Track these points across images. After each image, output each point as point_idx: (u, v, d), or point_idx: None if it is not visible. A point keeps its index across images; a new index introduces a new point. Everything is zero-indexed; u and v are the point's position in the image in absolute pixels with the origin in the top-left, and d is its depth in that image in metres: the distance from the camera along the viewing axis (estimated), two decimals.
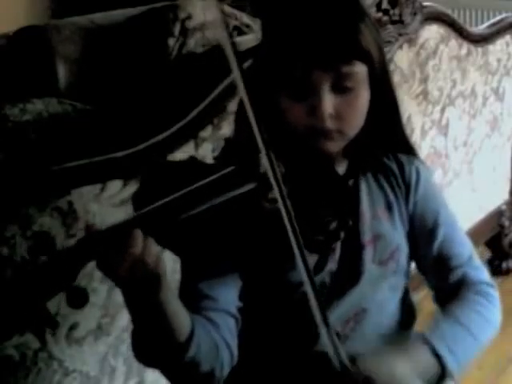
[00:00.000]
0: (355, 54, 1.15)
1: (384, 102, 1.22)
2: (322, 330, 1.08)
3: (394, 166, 1.29)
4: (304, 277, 1.07)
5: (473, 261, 1.31)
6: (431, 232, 1.29)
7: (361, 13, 1.18)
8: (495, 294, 1.30)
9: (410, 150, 1.32)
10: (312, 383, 1.24)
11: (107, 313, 1.55)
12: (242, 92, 1.05)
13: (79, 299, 0.98)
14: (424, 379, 1.17)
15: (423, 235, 1.29)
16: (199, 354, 1.08)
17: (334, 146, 1.19)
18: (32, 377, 1.44)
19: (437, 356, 1.18)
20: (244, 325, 1.20)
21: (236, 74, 1.04)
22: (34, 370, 1.45)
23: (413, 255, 1.32)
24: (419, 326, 1.36)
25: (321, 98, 1.14)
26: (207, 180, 1.02)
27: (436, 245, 1.29)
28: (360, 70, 1.16)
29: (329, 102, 1.14)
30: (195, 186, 1.02)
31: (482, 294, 1.28)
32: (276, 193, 1.04)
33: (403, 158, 1.30)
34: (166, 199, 1.00)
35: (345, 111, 1.16)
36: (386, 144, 1.27)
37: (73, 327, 1.50)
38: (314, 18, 1.14)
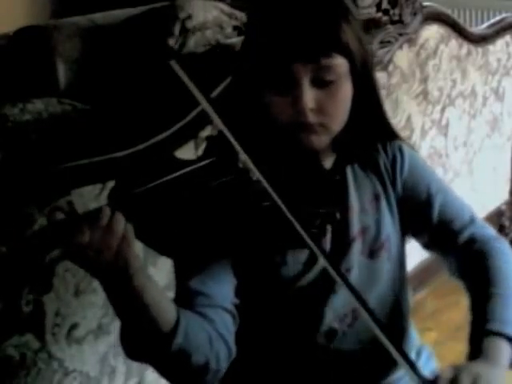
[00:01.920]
0: (334, 46, 1.15)
1: (367, 96, 1.22)
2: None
3: (381, 153, 1.29)
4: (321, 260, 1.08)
5: (476, 221, 1.30)
6: (426, 203, 1.28)
7: (342, 9, 1.18)
8: (506, 245, 1.30)
9: (395, 137, 1.31)
10: (313, 375, 1.24)
11: (107, 313, 1.55)
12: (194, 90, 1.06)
13: (43, 286, 0.98)
14: (508, 366, 1.17)
15: (419, 209, 1.29)
16: (188, 344, 1.07)
17: (319, 140, 1.18)
18: (32, 377, 1.45)
19: (508, 339, 1.17)
20: (244, 321, 1.20)
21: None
22: (34, 370, 1.45)
23: (414, 233, 1.31)
24: (419, 324, 1.37)
25: (301, 92, 1.14)
26: (180, 172, 1.03)
27: (435, 214, 1.28)
28: (340, 63, 1.16)
29: (309, 95, 1.15)
30: (168, 177, 1.02)
31: (495, 251, 1.27)
32: (264, 184, 1.04)
33: (387, 143, 1.30)
34: (139, 189, 1.00)
35: (327, 105, 1.16)
36: (373, 136, 1.27)
37: (73, 327, 1.50)
38: (294, 12, 1.15)
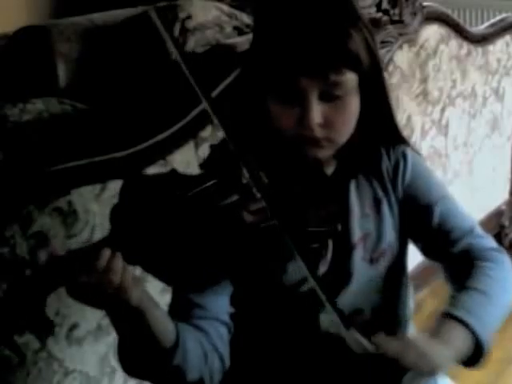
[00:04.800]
0: (343, 62, 1.12)
1: (377, 104, 1.20)
2: (334, 317, 1.09)
3: (383, 158, 1.27)
4: (307, 274, 1.08)
5: (475, 231, 1.28)
6: (427, 211, 1.26)
7: (352, 17, 1.14)
8: (504, 257, 1.27)
9: (401, 142, 1.29)
10: (313, 378, 1.24)
11: None
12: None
13: (44, 328, 0.96)
14: (460, 353, 1.14)
15: (420, 216, 1.27)
16: (185, 362, 1.07)
17: (323, 153, 1.17)
18: (32, 377, 1.44)
19: (466, 327, 1.14)
20: (240, 329, 1.19)
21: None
22: (34, 370, 1.45)
23: (413, 238, 1.30)
24: (419, 324, 1.36)
25: (309, 107, 1.12)
26: (188, 194, 1.02)
27: (435, 222, 1.26)
28: (349, 77, 1.13)
29: (317, 111, 1.12)
30: (174, 201, 1.01)
31: (489, 259, 1.24)
32: (263, 204, 1.04)
33: (391, 148, 1.28)
34: (141, 212, 0.99)
35: (334, 119, 1.14)
36: (378, 141, 1.26)
37: (73, 327, 1.50)
38: (303, 24, 1.11)
